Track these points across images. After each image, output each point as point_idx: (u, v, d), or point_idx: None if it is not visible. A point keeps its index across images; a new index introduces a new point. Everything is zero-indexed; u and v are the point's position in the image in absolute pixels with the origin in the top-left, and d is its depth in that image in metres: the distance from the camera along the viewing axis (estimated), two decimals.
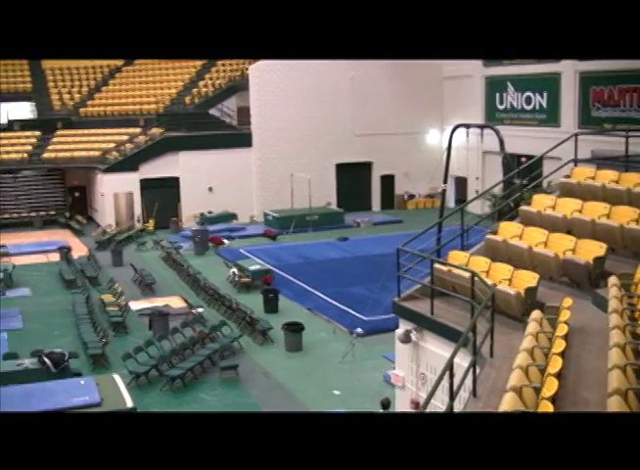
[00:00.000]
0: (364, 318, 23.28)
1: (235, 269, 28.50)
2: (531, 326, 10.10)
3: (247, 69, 44.33)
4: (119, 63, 51.70)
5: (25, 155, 44.20)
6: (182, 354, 20.46)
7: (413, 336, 13.88)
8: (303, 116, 42.34)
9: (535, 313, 10.83)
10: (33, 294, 28.41)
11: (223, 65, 49.43)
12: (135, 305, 25.68)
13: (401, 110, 43.77)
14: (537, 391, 8.09)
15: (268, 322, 22.61)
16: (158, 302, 25.92)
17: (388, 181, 45.28)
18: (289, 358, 21.10)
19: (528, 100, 38.43)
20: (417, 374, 14.18)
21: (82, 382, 17.20)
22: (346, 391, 18.45)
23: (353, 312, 24.19)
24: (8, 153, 44.08)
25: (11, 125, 46.47)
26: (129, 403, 16.08)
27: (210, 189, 41.33)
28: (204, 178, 41.08)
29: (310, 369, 20.20)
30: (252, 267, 28.65)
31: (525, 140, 35.05)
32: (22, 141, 45.41)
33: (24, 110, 49.18)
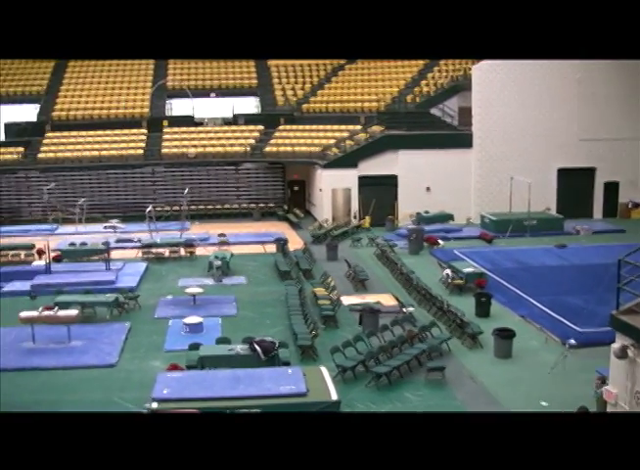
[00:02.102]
0: (578, 329, 21.82)
1: (448, 270, 27.73)
2: None
3: (469, 68, 43.30)
4: (342, 61, 52.27)
5: (248, 148, 45.64)
6: (390, 352, 19.99)
7: (630, 352, 12.93)
8: (526, 117, 40.76)
9: None
10: (249, 283, 29.00)
11: (445, 64, 48.67)
12: (347, 300, 25.50)
13: (630, 113, 41.12)
14: None
15: (479, 326, 21.68)
16: (369, 298, 25.59)
17: (611, 188, 42.64)
18: (497, 364, 20.10)
19: None
20: (632, 393, 13.14)
21: (290, 371, 17.17)
22: (554, 403, 17.17)
23: (567, 323, 22.77)
24: (232, 145, 45.74)
25: (236, 119, 48.23)
26: (334, 396, 15.86)
27: (428, 189, 40.73)
28: (421, 177, 40.55)
29: (518, 377, 19.11)
30: (466, 270, 27.81)
31: None
32: (246, 135, 46.99)
33: (249, 105, 50.85)
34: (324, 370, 17.52)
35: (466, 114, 43.50)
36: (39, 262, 31.43)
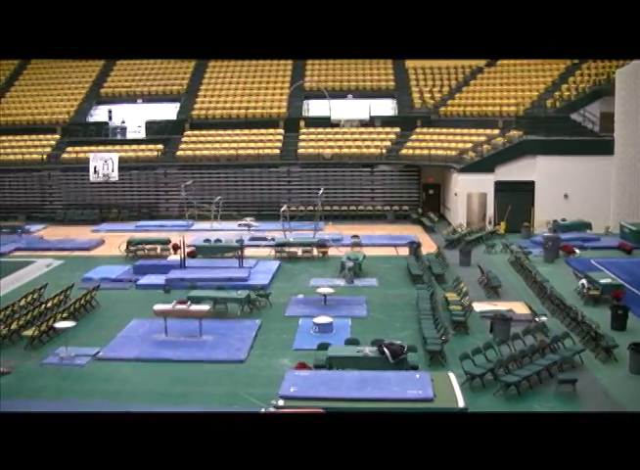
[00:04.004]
0: None
1: (584, 281, 26.88)
2: None
3: (613, 72, 41.89)
4: (481, 63, 51.60)
5: (384, 150, 45.68)
6: (520, 362, 19.53)
7: None
8: None
9: None
10: (380, 285, 29.00)
11: (588, 68, 47.26)
12: (478, 307, 25.12)
13: None
14: None
15: (614, 339, 20.86)
16: (501, 305, 25.13)
17: None
18: (632, 381, 19.27)
19: None
20: None
21: (418, 376, 17.07)
22: None
23: None
24: (368, 147, 45.92)
25: (372, 121, 48.35)
26: (461, 403, 15.67)
27: (566, 196, 39.68)
28: (559, 184, 39.56)
29: None
30: (603, 281, 26.83)
31: None
32: (382, 137, 47.08)
33: (386, 107, 50.87)
34: (452, 376, 17.33)
35: (608, 119, 42.05)
36: (174, 257, 32.50)
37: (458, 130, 45.81)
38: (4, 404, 17.29)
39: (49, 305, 24.82)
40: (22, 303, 25.06)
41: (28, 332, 21.89)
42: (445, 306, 24.62)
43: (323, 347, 19.66)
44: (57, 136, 51.13)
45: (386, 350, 18.47)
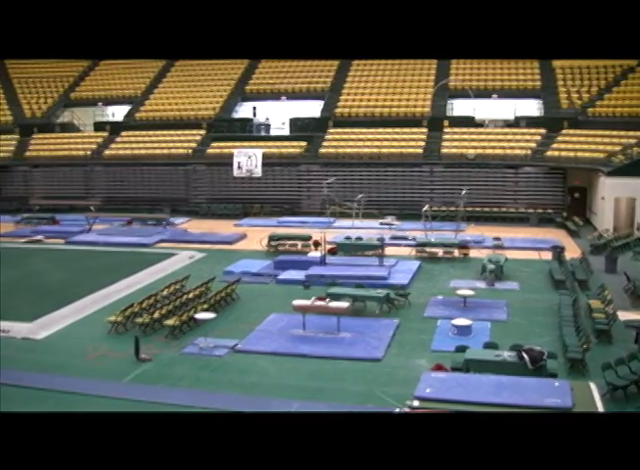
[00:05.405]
0: None
1: None
2: None
3: None
4: (633, 62, 49.68)
5: (529, 151, 44.88)
6: None
7: None
8: None
9: None
10: (521, 289, 28.58)
11: None
12: (623, 316, 24.37)
13: None
14: None
15: None
16: None
17: None
18: None
19: None
20: None
21: (557, 384, 16.80)
22: None
23: None
24: (512, 148, 45.20)
25: (517, 122, 47.58)
26: None
27: None
28: None
29: None
30: None
31: None
32: (527, 138, 46.24)
33: (532, 107, 49.93)
34: (593, 387, 16.99)
35: None
36: (315, 254, 33.06)
37: (607, 132, 44.39)
38: (146, 392, 18.21)
39: (190, 296, 25.87)
40: (165, 293, 26.24)
41: (170, 321, 22.90)
42: (588, 314, 24.03)
43: (461, 349, 19.64)
44: (202, 132, 52.94)
45: (525, 355, 18.27)
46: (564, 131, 46.29)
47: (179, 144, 51.63)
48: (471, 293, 26.00)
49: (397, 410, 15.94)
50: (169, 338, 22.47)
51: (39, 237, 40.59)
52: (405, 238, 37.21)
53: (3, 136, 55.26)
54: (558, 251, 32.83)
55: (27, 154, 54.32)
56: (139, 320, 23.19)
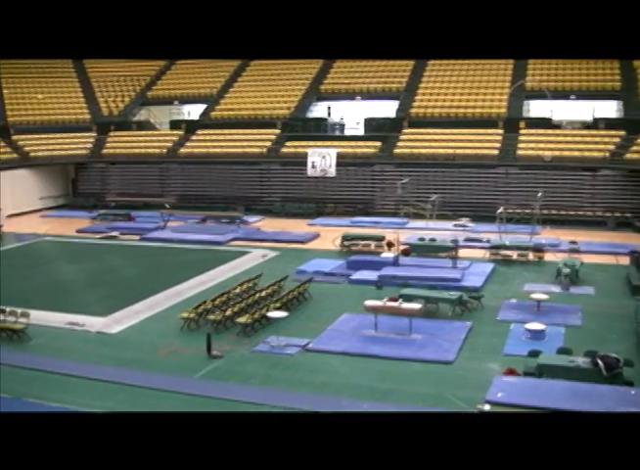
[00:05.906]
0: None
1: None
2: None
3: None
4: None
5: (607, 154, 43.93)
6: None
7: None
8: None
9: None
10: (597, 294, 28.03)
11: None
12: None
13: None
14: None
15: None
16: None
17: None
18: None
19: None
20: None
21: (633, 392, 16.47)
22: None
23: None
24: (590, 150, 44.32)
25: (596, 123, 46.64)
26: None
27: None
28: None
29: None
30: None
31: None
32: (606, 140, 45.21)
33: (611, 108, 48.89)
34: None
35: None
36: (388, 254, 32.97)
37: None
38: (217, 388, 18.43)
39: (263, 294, 26.15)
40: (238, 290, 26.56)
41: (242, 319, 23.18)
42: None
43: (534, 354, 19.41)
44: (277, 131, 53.23)
45: (600, 362, 17.93)
46: None
47: (254, 143, 52.03)
48: (545, 297, 25.62)
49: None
50: (241, 335, 22.73)
51: (115, 233, 41.48)
52: (479, 240, 36.85)
53: (81, 134, 56.55)
54: (636, 256, 32.02)
55: (104, 151, 55.42)
56: (211, 317, 23.52)
